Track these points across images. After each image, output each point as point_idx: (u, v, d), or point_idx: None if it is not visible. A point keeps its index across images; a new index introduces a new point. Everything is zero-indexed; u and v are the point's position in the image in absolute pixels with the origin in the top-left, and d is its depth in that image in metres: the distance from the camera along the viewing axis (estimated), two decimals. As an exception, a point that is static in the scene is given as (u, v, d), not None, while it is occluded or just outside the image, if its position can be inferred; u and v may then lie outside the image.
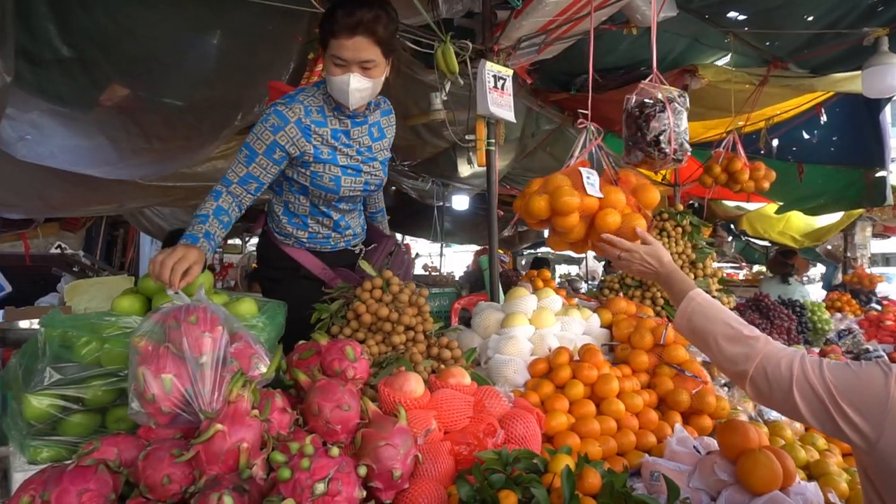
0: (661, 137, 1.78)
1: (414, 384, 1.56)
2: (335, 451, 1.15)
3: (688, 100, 1.87)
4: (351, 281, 2.20)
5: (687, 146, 1.79)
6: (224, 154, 3.80)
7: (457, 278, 7.51)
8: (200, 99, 3.06)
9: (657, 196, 1.75)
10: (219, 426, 1.13)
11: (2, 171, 3.21)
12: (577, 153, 1.95)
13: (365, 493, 1.17)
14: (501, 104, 2.77)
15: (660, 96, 1.82)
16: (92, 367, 1.45)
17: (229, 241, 9.68)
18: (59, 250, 6.20)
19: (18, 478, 1.37)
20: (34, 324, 3.26)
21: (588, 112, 1.89)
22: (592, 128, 1.95)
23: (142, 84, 2.85)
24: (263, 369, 1.38)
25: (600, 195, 1.78)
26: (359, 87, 1.99)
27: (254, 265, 6.72)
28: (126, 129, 2.97)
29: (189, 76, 2.96)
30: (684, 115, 1.84)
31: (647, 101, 1.83)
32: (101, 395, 1.44)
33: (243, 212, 2.09)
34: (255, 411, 1.21)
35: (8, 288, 5.10)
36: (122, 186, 3.78)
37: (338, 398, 1.34)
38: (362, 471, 1.18)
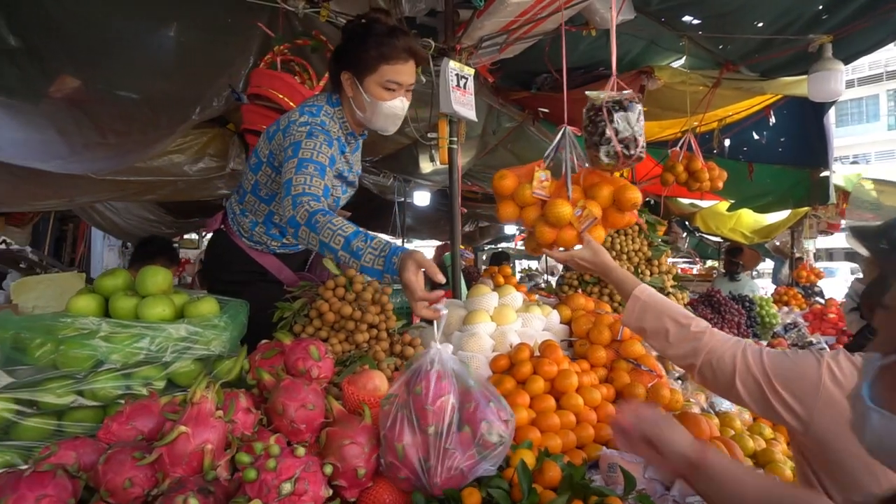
0: (610, 140, 1.82)
1: (378, 382, 1.57)
2: (301, 450, 1.16)
3: (639, 104, 1.91)
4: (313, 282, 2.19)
5: (636, 150, 1.84)
6: (181, 148, 3.72)
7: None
8: (157, 92, 2.99)
9: (637, 196, 1.78)
10: (182, 428, 1.13)
11: (-57, 164, 3.07)
12: (552, 154, 1.97)
13: (331, 492, 1.18)
14: (464, 103, 2.79)
15: (607, 99, 1.86)
16: (47, 369, 1.42)
17: (185, 236, 9.45)
18: (4, 245, 5.95)
19: (-31, 484, 1.33)
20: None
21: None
22: (569, 131, 1.97)
23: (95, 76, 2.77)
24: (495, 438, 1.35)
25: (545, 196, 1.82)
26: (405, 110, 2.04)
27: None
28: (77, 123, 2.88)
29: (145, 69, 2.89)
30: (637, 118, 1.89)
31: (597, 104, 1.88)
32: (57, 398, 1.41)
33: None
34: (220, 412, 1.21)
35: (-50, 285, 4.89)
36: (72, 181, 3.66)
37: (302, 397, 1.34)
38: (328, 469, 1.19)
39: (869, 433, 0.72)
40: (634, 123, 1.90)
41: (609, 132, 1.83)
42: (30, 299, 3.71)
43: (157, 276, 1.64)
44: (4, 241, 6.03)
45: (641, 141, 1.89)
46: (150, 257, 3.78)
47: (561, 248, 1.83)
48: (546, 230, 1.70)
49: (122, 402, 1.38)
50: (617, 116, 1.89)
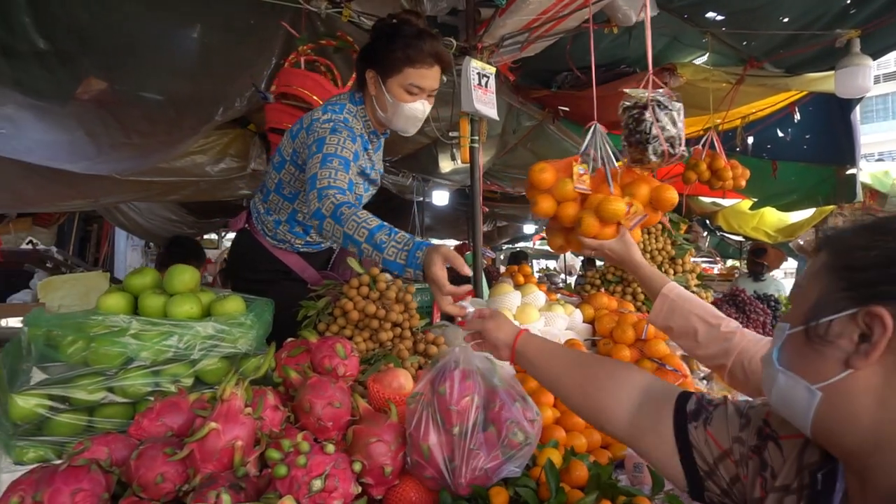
0: (658, 138, 1.80)
1: (403, 380, 1.58)
2: (331, 447, 1.16)
3: (675, 101, 1.88)
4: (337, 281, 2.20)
5: (680, 149, 1.82)
6: (203, 149, 3.76)
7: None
8: (181, 93, 3.02)
9: (675, 196, 1.76)
10: (213, 424, 1.13)
11: (-26, 166, 3.14)
12: (584, 150, 1.96)
13: (360, 489, 1.19)
14: (485, 101, 2.78)
15: (652, 98, 1.84)
16: (79, 366, 1.43)
17: (206, 237, 9.54)
18: (30, 246, 6.07)
19: (5, 479, 1.35)
20: (10, 322, 3.19)
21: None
22: (600, 127, 1.95)
23: (121, 78, 2.81)
24: (520, 437, 1.33)
25: (586, 191, 1.80)
26: (427, 112, 2.03)
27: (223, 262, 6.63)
28: (105, 124, 2.93)
29: (169, 70, 2.93)
30: (679, 117, 1.86)
31: (641, 103, 1.86)
32: (88, 394, 1.43)
33: None
34: (249, 409, 1.21)
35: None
36: (98, 181, 3.72)
37: (329, 395, 1.35)
38: (357, 467, 1.20)
39: (775, 391, 0.81)
40: (678, 121, 1.89)
41: (656, 130, 1.81)
42: (56, 298, 3.78)
43: (185, 275, 1.66)
44: (31, 242, 6.16)
45: (677, 141, 1.88)
46: (182, 259, 3.84)
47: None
48: (594, 224, 1.68)
49: (152, 398, 1.40)
50: (661, 114, 1.88)
